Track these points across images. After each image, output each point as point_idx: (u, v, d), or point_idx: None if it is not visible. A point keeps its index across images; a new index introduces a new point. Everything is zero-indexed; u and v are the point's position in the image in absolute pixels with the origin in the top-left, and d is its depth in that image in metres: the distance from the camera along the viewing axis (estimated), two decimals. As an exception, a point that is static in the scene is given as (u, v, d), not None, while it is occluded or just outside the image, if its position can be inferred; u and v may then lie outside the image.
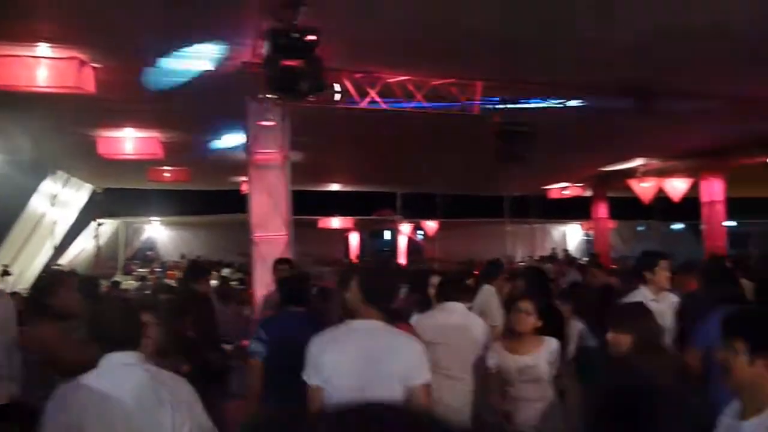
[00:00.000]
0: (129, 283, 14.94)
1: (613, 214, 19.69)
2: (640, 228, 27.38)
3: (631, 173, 15.77)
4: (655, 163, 14.84)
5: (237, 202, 13.58)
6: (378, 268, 3.32)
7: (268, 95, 6.26)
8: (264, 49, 6.06)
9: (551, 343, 4.50)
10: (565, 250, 24.23)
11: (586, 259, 21.23)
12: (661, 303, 5.00)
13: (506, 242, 20.93)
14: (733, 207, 21.10)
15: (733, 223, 24.04)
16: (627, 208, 19.15)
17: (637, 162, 15.03)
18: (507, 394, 4.43)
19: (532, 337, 4.46)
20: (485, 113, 8.62)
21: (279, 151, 7.57)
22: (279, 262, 6.16)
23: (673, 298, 5.17)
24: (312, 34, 5.35)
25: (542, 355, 4.44)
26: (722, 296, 4.33)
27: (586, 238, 25.70)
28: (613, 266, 16.11)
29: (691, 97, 8.72)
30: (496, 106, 8.63)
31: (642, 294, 5.06)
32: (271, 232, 7.50)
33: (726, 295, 4.32)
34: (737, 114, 9.48)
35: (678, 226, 26.62)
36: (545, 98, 8.49)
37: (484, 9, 6.05)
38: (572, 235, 27.65)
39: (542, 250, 24.47)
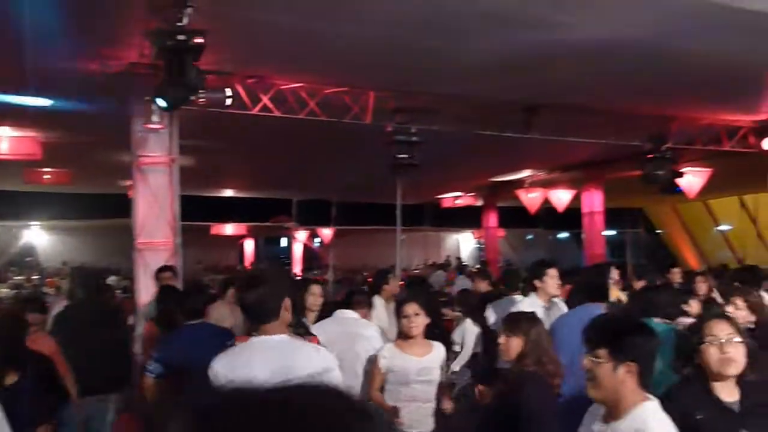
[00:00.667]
0: (2, 291, 14.04)
1: (503, 223, 20.41)
2: (528, 237, 28.54)
3: (519, 184, 16.41)
4: (541, 174, 15.51)
5: (125, 206, 13.04)
6: (250, 282, 3.18)
7: (153, 97, 6.05)
8: (150, 50, 5.89)
9: (441, 348, 4.62)
10: (458, 258, 24.87)
11: (478, 266, 21.93)
12: (551, 310, 5.20)
13: (401, 250, 21.19)
14: (612, 217, 22.50)
15: (612, 232, 25.56)
16: (516, 217, 19.88)
17: (525, 173, 15.66)
18: (400, 395, 4.49)
19: (424, 340, 4.56)
20: (377, 122, 8.74)
21: (166, 154, 7.35)
22: (161, 270, 5.97)
23: (562, 306, 5.35)
24: (199, 36, 5.23)
25: (436, 358, 4.54)
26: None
27: (478, 246, 26.49)
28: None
29: (574, 112, 9.20)
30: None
31: (532, 301, 5.26)
32: (156, 238, 7.25)
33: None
34: (614, 129, 10.06)
35: (563, 234, 27.89)
36: (436, 111, 8.69)
37: (374, 18, 6.14)
38: (465, 243, 28.44)
39: (437, 258, 25.01)
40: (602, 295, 4.93)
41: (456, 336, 6.60)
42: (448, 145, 11.26)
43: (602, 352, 2.44)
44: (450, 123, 8.94)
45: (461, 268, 19.34)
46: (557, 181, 16.02)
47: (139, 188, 7.43)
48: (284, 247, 27.20)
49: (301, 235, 23.28)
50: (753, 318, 4.40)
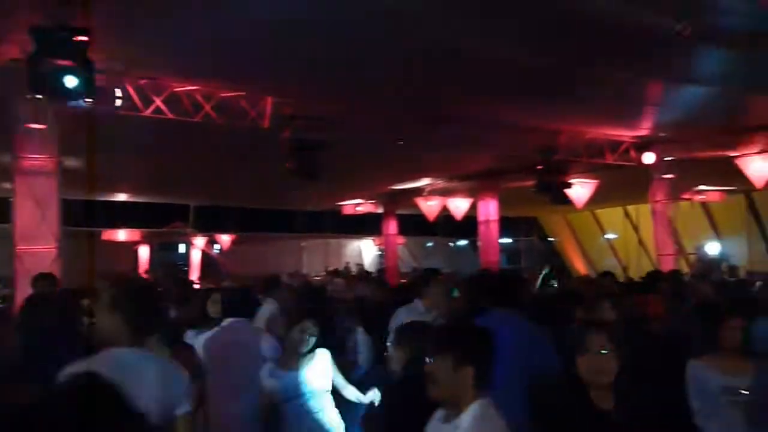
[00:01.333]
0: None
1: (403, 231, 20.70)
2: (428, 244, 29.09)
3: (418, 192, 16.70)
4: (440, 183, 15.84)
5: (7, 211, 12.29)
6: (137, 292, 3.02)
7: (34, 96, 5.76)
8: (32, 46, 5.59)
9: (324, 356, 4.63)
10: (359, 265, 24.99)
11: (375, 274, 22.10)
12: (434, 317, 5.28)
13: (302, 257, 21.11)
14: (508, 225, 23.30)
15: (508, 240, 26.48)
16: (416, 224, 20.22)
17: (424, 182, 15.95)
18: (292, 409, 4.47)
19: (308, 354, 4.57)
20: (275, 128, 8.68)
21: (49, 156, 7.00)
22: (38, 278, 5.66)
23: None
24: (83, 34, 5.03)
25: (317, 369, 4.55)
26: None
27: (380, 253, 26.72)
28: (403, 280, 16.99)
29: (469, 124, 9.48)
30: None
31: (415, 308, 5.36)
32: (37, 244, 6.88)
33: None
34: (507, 141, 10.45)
35: (462, 242, 28.59)
36: (335, 119, 8.73)
37: (269, 25, 6.10)
38: (367, 250, 28.62)
39: (338, 265, 25.03)
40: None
41: (350, 344, 6.62)
42: (348, 153, 11.32)
43: (443, 355, 2.58)
44: (349, 131, 8.99)
45: (362, 275, 19.48)
46: (455, 190, 16.41)
47: (19, 191, 7.04)
48: (182, 253, 26.42)
49: (199, 242, 22.69)
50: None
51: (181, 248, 26.48)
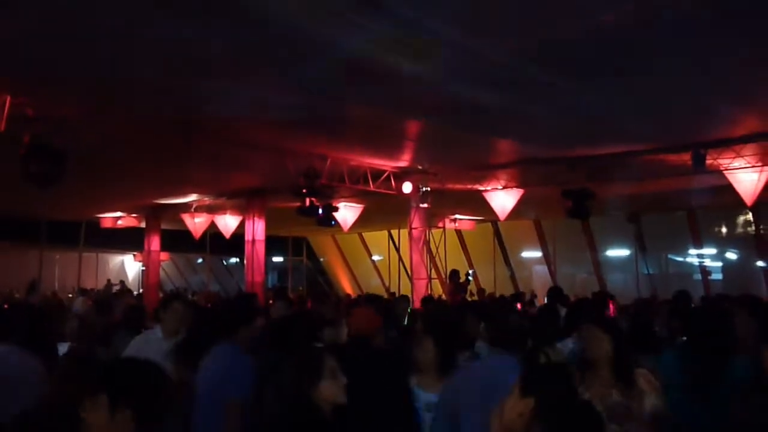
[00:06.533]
0: None
1: (170, 247, 19.76)
2: (199, 261, 28.13)
3: (185, 208, 16.06)
4: (207, 200, 15.37)
5: None
6: None
7: None
8: None
9: None
10: (122, 281, 23.40)
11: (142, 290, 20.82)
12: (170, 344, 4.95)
13: (47, 270, 19.23)
14: (278, 244, 23.30)
15: (280, 259, 26.51)
16: (183, 241, 19.37)
17: (191, 197, 15.37)
18: None
19: None
20: (13, 131, 7.79)
21: None
22: None
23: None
24: None
25: None
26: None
27: (143, 269, 25.29)
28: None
29: (230, 142, 9.31)
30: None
31: (155, 334, 5.04)
32: None
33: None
34: (270, 161, 10.41)
35: (234, 259, 28.06)
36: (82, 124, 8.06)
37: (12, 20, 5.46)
38: (131, 266, 26.93)
39: (96, 281, 23.21)
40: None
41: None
42: (103, 161, 10.55)
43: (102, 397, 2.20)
44: (97, 138, 8.36)
45: (125, 291, 18.17)
46: (223, 207, 16.04)
47: None
48: None
49: None
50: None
51: None
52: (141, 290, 21.43)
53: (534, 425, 2.18)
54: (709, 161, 9.89)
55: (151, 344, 4.85)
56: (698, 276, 17.83)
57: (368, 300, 7.21)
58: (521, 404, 2.24)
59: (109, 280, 23.31)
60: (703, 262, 17.92)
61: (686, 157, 9.95)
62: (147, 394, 2.26)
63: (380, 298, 7.89)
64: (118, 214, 18.01)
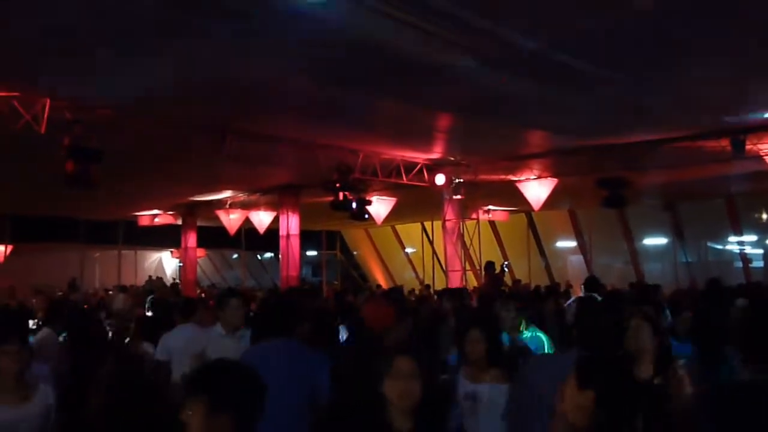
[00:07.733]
0: None
1: (205, 243, 19.98)
2: (234, 256, 28.42)
3: (219, 204, 16.24)
4: (241, 196, 15.53)
5: None
6: None
7: None
8: None
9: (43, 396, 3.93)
10: (159, 278, 23.78)
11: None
12: (234, 339, 4.90)
13: (88, 268, 19.61)
14: (312, 238, 23.43)
15: (314, 253, 26.66)
16: (218, 237, 19.60)
17: (225, 194, 15.55)
18: None
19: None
20: (54, 132, 7.96)
21: None
22: None
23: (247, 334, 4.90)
24: None
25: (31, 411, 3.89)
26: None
27: (181, 265, 25.64)
28: (203, 294, 16.35)
29: (263, 139, 9.40)
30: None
31: (216, 331, 5.02)
32: None
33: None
34: (304, 157, 10.48)
35: (268, 254, 28.29)
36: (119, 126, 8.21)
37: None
38: (168, 263, 27.31)
39: (135, 278, 23.58)
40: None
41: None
42: (140, 162, 10.74)
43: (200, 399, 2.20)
44: (133, 139, 8.50)
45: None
46: (257, 203, 16.18)
47: None
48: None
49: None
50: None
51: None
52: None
53: (596, 416, 2.18)
54: (748, 146, 9.70)
55: (215, 341, 4.88)
56: (739, 263, 17.47)
57: (385, 294, 7.03)
58: (581, 397, 2.23)
59: (150, 276, 23.73)
60: (744, 249, 17.56)
61: (724, 143, 9.77)
62: (246, 398, 2.26)
63: (395, 291, 7.59)
64: (155, 212, 18.28)
